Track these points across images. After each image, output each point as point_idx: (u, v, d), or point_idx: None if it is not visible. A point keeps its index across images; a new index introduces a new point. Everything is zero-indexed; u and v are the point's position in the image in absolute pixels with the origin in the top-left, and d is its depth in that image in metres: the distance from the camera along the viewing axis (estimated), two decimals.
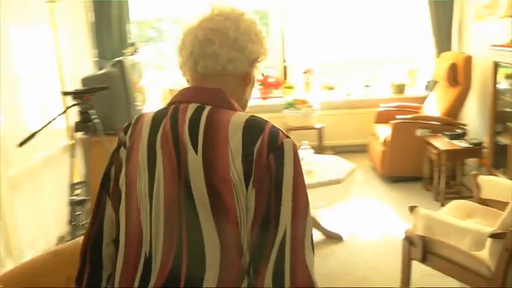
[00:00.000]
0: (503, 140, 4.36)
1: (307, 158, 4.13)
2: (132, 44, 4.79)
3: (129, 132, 1.26)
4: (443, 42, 5.92)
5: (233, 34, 1.25)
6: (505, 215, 2.57)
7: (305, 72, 6.26)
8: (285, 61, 6.40)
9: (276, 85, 6.29)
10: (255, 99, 6.36)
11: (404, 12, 6.24)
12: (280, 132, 1.18)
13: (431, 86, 6.05)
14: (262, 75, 1.39)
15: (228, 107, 1.23)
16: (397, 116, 5.14)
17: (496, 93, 4.29)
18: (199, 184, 1.13)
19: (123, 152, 1.26)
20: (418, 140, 5.03)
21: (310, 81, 6.32)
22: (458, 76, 5.14)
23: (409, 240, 2.92)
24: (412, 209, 2.80)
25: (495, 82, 4.27)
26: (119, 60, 4.18)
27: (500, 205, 3.61)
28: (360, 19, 6.31)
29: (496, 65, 4.24)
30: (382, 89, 6.44)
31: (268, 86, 6.26)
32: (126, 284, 1.19)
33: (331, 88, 6.34)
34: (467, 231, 2.59)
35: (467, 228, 2.60)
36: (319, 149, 5.84)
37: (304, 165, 3.81)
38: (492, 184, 3.23)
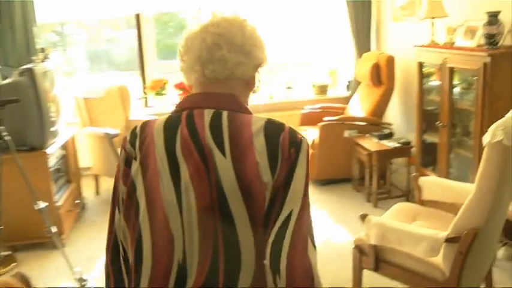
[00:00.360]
0: (429, 138, 4.41)
1: None
2: (42, 50, 4.33)
3: (137, 143, 1.24)
4: (363, 42, 5.96)
5: (240, 40, 1.27)
6: (457, 218, 2.51)
7: None
8: None
9: None
10: (174, 106, 6.05)
11: (324, 13, 6.21)
12: (297, 132, 1.26)
13: (353, 86, 6.07)
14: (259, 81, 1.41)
15: (244, 111, 1.27)
16: (324, 118, 5.08)
17: (422, 93, 4.32)
18: (231, 187, 1.16)
19: (134, 164, 1.23)
20: (346, 141, 5.00)
21: None
22: (382, 76, 5.17)
23: (359, 250, 2.80)
24: (363, 217, 2.68)
25: (421, 82, 4.31)
26: (28, 68, 3.72)
27: (442, 205, 3.61)
28: (279, 21, 6.21)
29: (421, 65, 4.26)
30: (304, 90, 6.39)
31: (188, 91, 5.98)
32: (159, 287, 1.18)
33: (252, 92, 6.17)
34: (423, 237, 2.51)
35: (422, 235, 2.52)
36: None
37: None
38: (433, 185, 3.20)
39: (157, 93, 5.88)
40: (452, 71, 3.81)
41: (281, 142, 1.20)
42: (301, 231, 1.15)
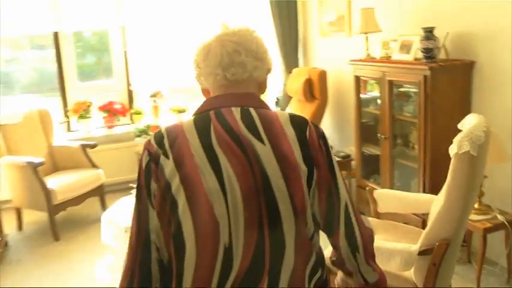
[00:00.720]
0: (368, 150, 4.48)
1: None
2: None
3: (165, 142, 1.31)
4: (291, 58, 6.00)
5: (254, 47, 1.41)
6: (427, 230, 2.51)
7: (153, 96, 5.82)
8: (130, 85, 5.87)
9: (123, 112, 5.74)
10: (99, 129, 5.73)
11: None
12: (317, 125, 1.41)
13: (282, 102, 6.08)
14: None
15: (266, 107, 1.40)
16: None
17: (360, 106, 4.39)
18: (273, 170, 1.26)
19: (164, 163, 1.28)
20: None
21: (159, 105, 5.90)
22: (315, 91, 5.21)
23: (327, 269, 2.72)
24: None
25: (358, 95, 4.37)
26: None
27: (397, 217, 3.65)
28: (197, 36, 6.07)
29: (358, 79, 4.33)
30: None
31: (114, 113, 5.68)
32: (205, 273, 1.26)
33: (182, 111, 6.00)
34: (395, 252, 2.49)
35: (394, 249, 2.50)
36: None
37: None
38: (387, 197, 3.22)
39: (81, 116, 5.53)
40: (391, 84, 3.88)
41: (309, 133, 1.34)
42: (357, 213, 1.41)
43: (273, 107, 6.20)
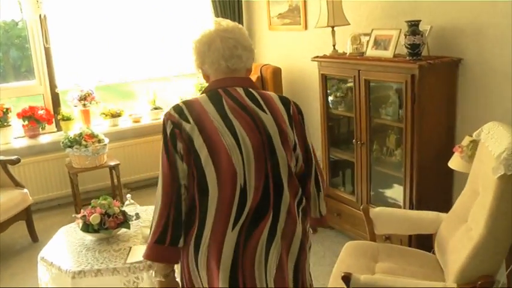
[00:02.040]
0: (334, 156, 4.03)
1: (144, 217, 3.10)
2: None
3: (186, 112, 1.65)
4: None
5: (247, 43, 1.76)
6: (463, 264, 2.07)
7: (81, 99, 5.01)
8: (56, 87, 5.02)
9: (48, 118, 4.89)
10: (20, 139, 4.85)
11: (185, 24, 5.52)
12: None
13: None
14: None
15: (258, 88, 1.80)
16: None
17: (327, 107, 3.91)
18: (274, 133, 1.67)
19: (186, 126, 1.62)
20: None
21: (90, 109, 5.11)
22: (268, 90, 4.66)
23: None
24: (347, 279, 2.09)
25: (325, 96, 3.89)
26: None
27: (397, 238, 3.21)
28: (136, 32, 5.35)
29: (325, 78, 3.85)
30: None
31: (38, 120, 4.83)
32: (226, 207, 1.62)
33: (116, 115, 5.24)
34: None
35: None
36: (117, 190, 4.77)
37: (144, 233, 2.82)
38: (386, 217, 2.79)
39: None
40: (368, 84, 3.43)
41: (292, 109, 1.76)
42: (319, 168, 1.91)
43: None
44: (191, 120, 1.63)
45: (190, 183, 1.66)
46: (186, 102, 1.69)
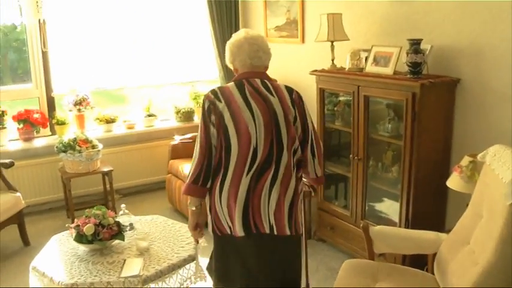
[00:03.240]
0: (329, 169, 3.90)
1: (137, 229, 2.94)
2: None
3: (219, 94, 2.22)
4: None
5: (266, 47, 2.33)
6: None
7: (77, 104, 4.83)
8: (52, 91, 4.83)
9: (43, 122, 4.70)
10: (14, 142, 4.65)
11: (185, 33, 5.37)
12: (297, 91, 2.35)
13: None
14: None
15: (273, 80, 2.33)
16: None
17: (323, 121, 3.78)
18: (279, 111, 2.20)
19: (219, 104, 2.19)
20: None
21: (84, 114, 4.93)
22: None
23: None
24: None
25: (323, 110, 3.76)
26: None
27: (391, 256, 3.09)
28: (135, 40, 5.19)
29: (323, 92, 3.72)
30: (166, 117, 5.48)
31: (33, 123, 4.63)
32: (242, 160, 2.16)
33: (111, 121, 5.06)
34: None
35: None
36: (109, 196, 4.60)
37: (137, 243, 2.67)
38: (385, 236, 2.66)
39: None
40: (367, 100, 3.32)
41: (294, 95, 2.28)
42: (317, 137, 2.37)
43: None
44: (222, 100, 2.20)
45: (218, 145, 2.19)
46: (220, 88, 2.27)
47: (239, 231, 2.20)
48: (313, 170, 2.36)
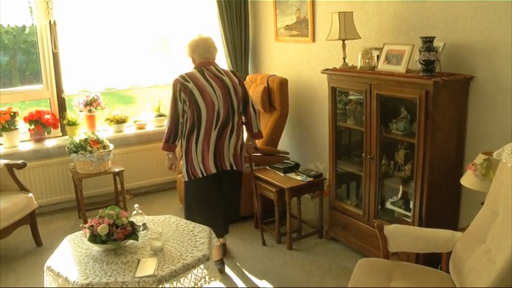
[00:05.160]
0: (340, 168, 3.89)
1: (151, 228, 2.94)
2: None
3: (187, 78, 3.23)
4: (241, 64, 5.29)
5: (214, 44, 3.40)
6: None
7: (87, 104, 4.85)
8: (63, 92, 4.85)
9: (54, 123, 4.73)
10: (25, 143, 4.68)
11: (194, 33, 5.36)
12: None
13: None
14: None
15: (221, 68, 3.38)
16: None
17: (336, 120, 3.77)
18: (230, 85, 3.30)
19: (188, 85, 3.20)
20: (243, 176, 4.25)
21: (95, 115, 4.95)
22: (274, 101, 4.53)
23: None
24: None
25: (335, 109, 3.75)
26: None
27: (404, 254, 3.08)
28: (145, 41, 5.20)
29: (335, 91, 3.71)
30: None
31: (44, 124, 4.66)
32: (210, 120, 3.23)
33: (122, 121, 5.07)
34: None
35: None
36: (120, 196, 4.61)
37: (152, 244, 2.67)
38: (400, 235, 2.64)
39: (4, 129, 4.47)
40: (380, 98, 3.30)
41: (237, 76, 3.43)
42: (254, 103, 3.55)
43: None
44: (190, 82, 3.22)
45: (191, 113, 3.23)
46: (186, 74, 3.27)
47: (212, 169, 3.33)
48: (256, 126, 3.54)
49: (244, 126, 3.53)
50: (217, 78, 3.25)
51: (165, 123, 3.33)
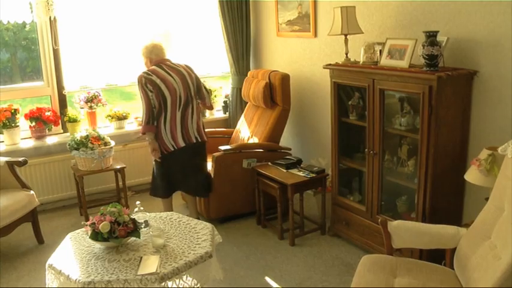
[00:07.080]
0: (343, 164, 3.87)
1: (153, 226, 2.92)
2: None
3: (150, 73, 3.80)
4: (242, 59, 5.26)
5: (165, 47, 4.02)
6: (491, 285, 1.91)
7: (88, 101, 4.83)
8: (64, 88, 4.82)
9: (55, 120, 4.71)
10: (26, 140, 4.66)
11: (196, 29, 5.34)
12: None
13: (232, 108, 5.34)
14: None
15: (174, 62, 4.02)
16: (221, 147, 4.24)
17: (339, 116, 3.75)
18: (186, 74, 3.94)
19: (152, 77, 3.77)
20: (245, 172, 4.24)
21: (96, 111, 4.93)
22: (276, 96, 4.51)
23: None
24: None
25: (337, 104, 3.72)
26: None
27: (407, 250, 3.06)
28: (145, 36, 5.16)
29: (337, 86, 3.68)
30: None
31: (45, 121, 4.64)
32: (174, 103, 3.84)
33: (122, 117, 5.05)
34: None
35: None
36: (122, 193, 4.59)
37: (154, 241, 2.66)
38: (404, 231, 2.62)
39: (5, 126, 4.45)
40: (383, 93, 3.28)
41: (191, 69, 4.04)
42: (206, 88, 4.17)
43: (220, 114, 5.49)
44: (153, 76, 3.78)
45: (158, 100, 3.77)
46: (148, 70, 3.83)
47: (181, 143, 3.90)
48: (209, 102, 4.13)
49: (200, 105, 4.13)
50: (174, 70, 3.87)
51: (141, 111, 3.90)
